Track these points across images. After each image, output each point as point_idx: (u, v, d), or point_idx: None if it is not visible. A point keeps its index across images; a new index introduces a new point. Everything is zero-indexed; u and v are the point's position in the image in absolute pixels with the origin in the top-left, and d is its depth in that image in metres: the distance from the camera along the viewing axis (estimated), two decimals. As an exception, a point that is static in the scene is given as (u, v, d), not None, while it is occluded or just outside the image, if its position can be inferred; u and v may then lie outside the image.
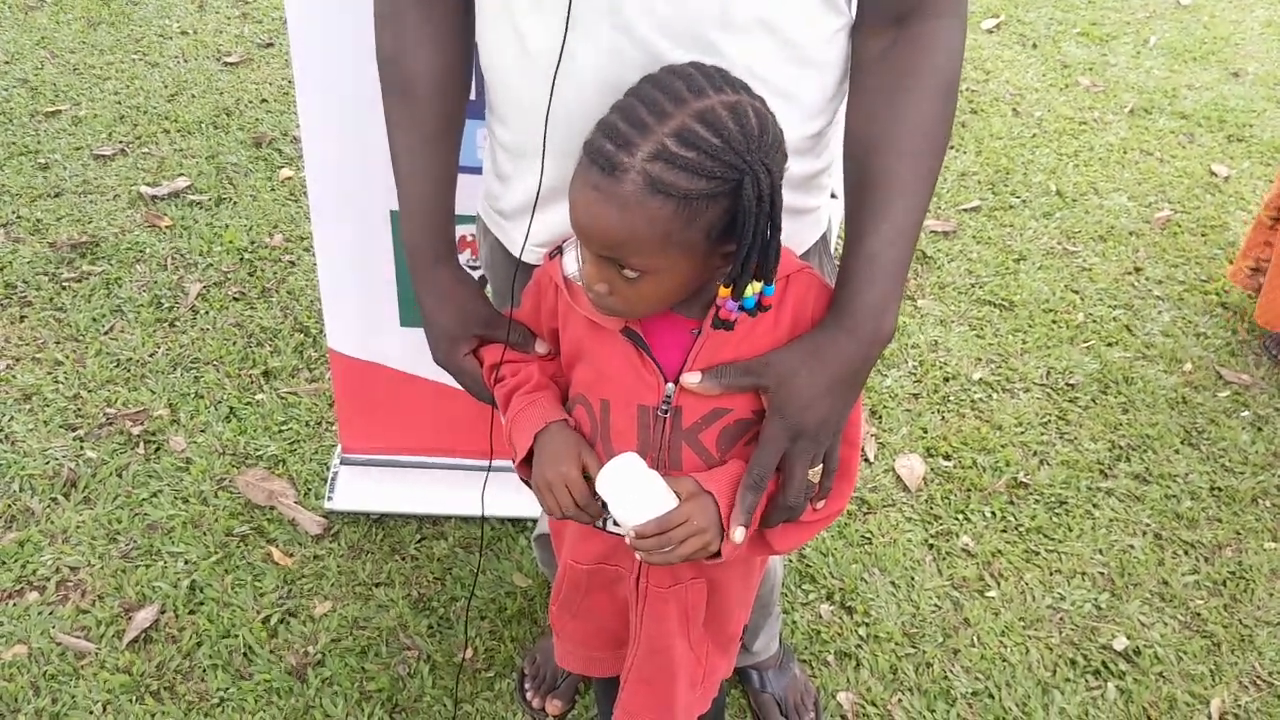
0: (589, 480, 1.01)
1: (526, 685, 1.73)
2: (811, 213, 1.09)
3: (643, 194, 0.82)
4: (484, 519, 2.00)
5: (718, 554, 0.98)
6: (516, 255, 1.08)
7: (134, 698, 1.69)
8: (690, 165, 0.81)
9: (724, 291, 0.89)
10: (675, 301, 0.94)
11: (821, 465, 1.01)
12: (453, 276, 1.10)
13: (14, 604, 1.82)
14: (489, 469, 1.35)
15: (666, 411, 0.99)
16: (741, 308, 0.90)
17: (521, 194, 1.06)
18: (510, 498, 1.84)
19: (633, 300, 0.91)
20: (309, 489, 2.05)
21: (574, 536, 1.14)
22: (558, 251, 1.02)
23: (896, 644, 1.85)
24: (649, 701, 1.21)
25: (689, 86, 0.83)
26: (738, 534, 0.96)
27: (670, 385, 0.98)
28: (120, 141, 3.05)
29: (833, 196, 1.36)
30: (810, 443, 0.96)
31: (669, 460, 1.01)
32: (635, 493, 0.95)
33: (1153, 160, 3.33)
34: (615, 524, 1.03)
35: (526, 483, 1.46)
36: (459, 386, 1.15)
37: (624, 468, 0.96)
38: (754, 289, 0.88)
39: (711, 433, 1.00)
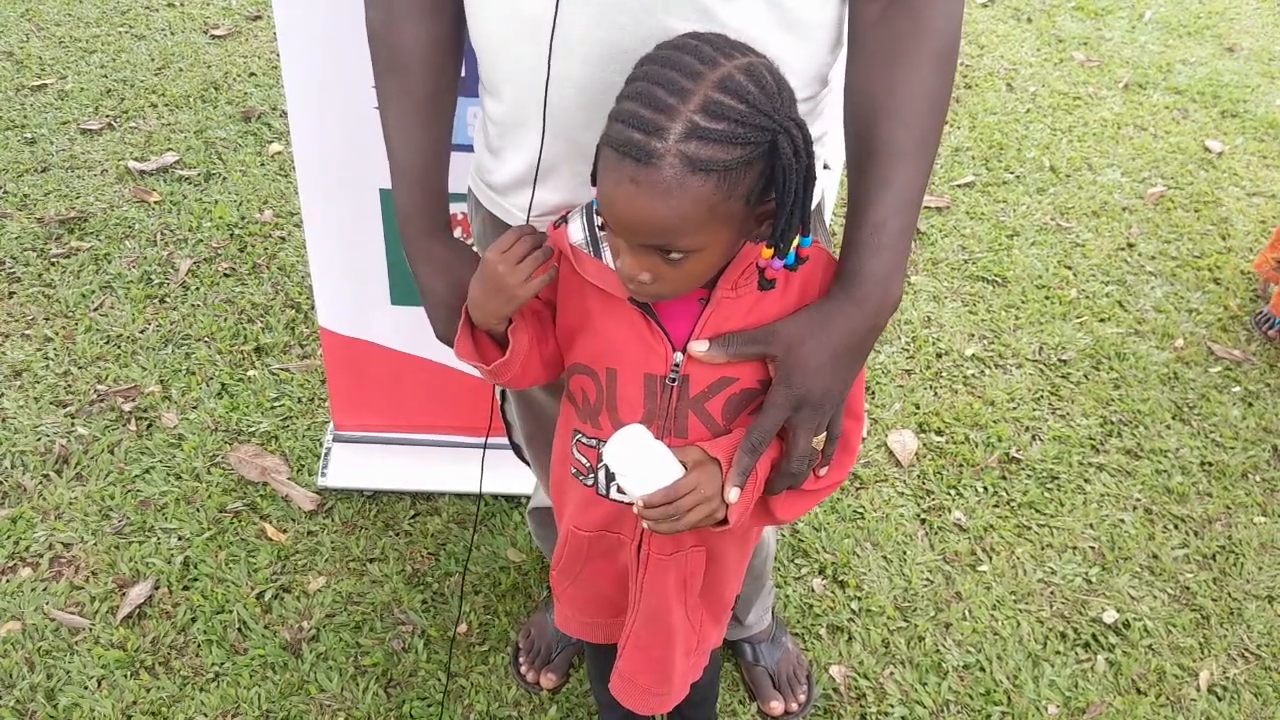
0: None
1: (521, 659, 1.74)
2: None
3: (683, 176, 0.81)
4: (480, 496, 2.00)
5: (724, 521, 0.98)
6: (511, 227, 1.07)
7: (129, 673, 1.70)
8: (724, 136, 0.81)
9: (766, 253, 0.90)
10: (715, 272, 0.94)
11: (825, 434, 1.01)
12: (447, 246, 1.09)
13: (7, 580, 1.81)
14: (485, 445, 1.35)
15: (674, 380, 0.99)
16: (785, 265, 0.91)
17: (514, 167, 1.05)
18: (504, 473, 1.85)
19: (678, 282, 0.91)
20: (302, 465, 2.05)
21: (577, 503, 1.14)
22: (562, 220, 1.02)
23: (888, 618, 1.86)
24: (647, 668, 1.22)
25: (699, 58, 0.82)
26: (732, 494, 0.96)
27: (678, 354, 0.98)
28: (107, 115, 3.02)
29: (826, 167, 1.35)
30: (814, 411, 0.96)
31: (675, 429, 1.01)
32: (642, 463, 0.95)
33: (1146, 136, 3.33)
34: (620, 490, 1.03)
35: (523, 460, 1.48)
36: (461, 363, 1.14)
37: (630, 439, 0.96)
38: (794, 244, 0.90)
39: (717, 402, 1.00)
